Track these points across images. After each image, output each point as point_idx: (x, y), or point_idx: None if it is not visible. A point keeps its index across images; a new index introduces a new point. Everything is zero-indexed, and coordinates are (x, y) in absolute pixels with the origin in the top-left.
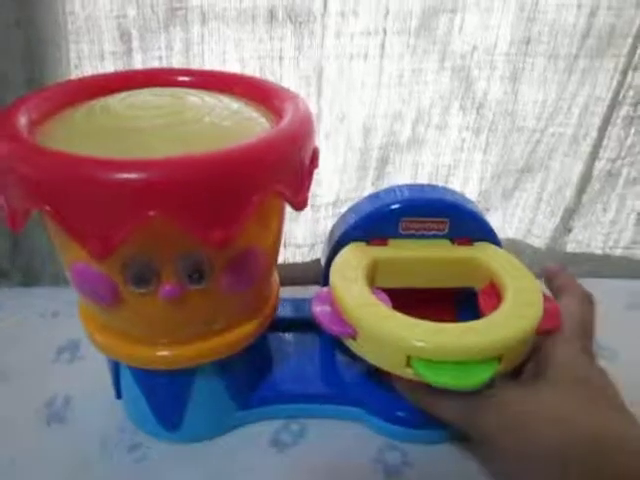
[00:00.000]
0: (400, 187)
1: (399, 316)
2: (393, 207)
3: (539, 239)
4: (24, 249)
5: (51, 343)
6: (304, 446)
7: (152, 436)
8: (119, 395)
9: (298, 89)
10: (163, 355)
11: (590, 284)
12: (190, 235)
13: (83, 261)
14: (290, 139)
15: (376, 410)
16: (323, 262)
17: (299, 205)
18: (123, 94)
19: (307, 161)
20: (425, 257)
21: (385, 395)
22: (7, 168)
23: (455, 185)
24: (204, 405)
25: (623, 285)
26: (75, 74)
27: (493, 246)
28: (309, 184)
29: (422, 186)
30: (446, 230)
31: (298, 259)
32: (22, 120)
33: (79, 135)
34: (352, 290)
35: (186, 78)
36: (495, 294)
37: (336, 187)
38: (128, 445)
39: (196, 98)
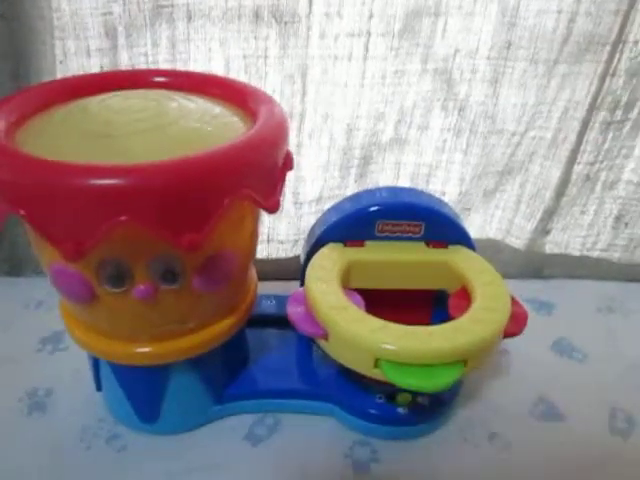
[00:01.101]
0: (379, 189)
1: (369, 319)
2: (370, 209)
3: (518, 240)
4: (8, 239)
5: (35, 333)
6: (278, 440)
7: (130, 428)
8: (99, 387)
9: (282, 88)
10: (139, 352)
11: (567, 285)
12: (160, 239)
13: (59, 262)
14: (260, 144)
15: (348, 406)
16: (302, 260)
17: (271, 208)
18: (101, 96)
19: (279, 165)
20: (400, 259)
21: (357, 392)
22: None
23: (436, 185)
24: (180, 399)
25: (598, 286)
26: (60, 70)
27: (467, 250)
28: (281, 188)
29: (400, 189)
30: (421, 233)
31: (281, 255)
32: (0, 123)
33: (56, 138)
34: (325, 292)
35: (165, 79)
36: (466, 298)
37: (319, 185)
38: (107, 436)
39: (173, 101)
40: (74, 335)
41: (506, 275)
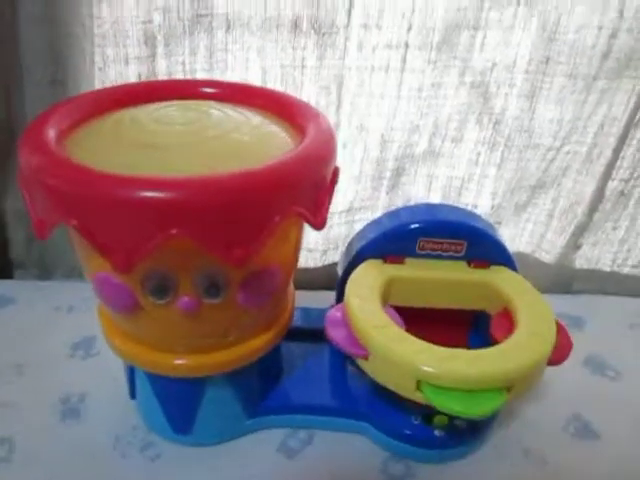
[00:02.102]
0: (420, 206)
1: (411, 339)
2: (412, 226)
3: (548, 254)
4: (37, 243)
5: (66, 338)
6: (311, 453)
7: (164, 438)
8: (133, 395)
9: (318, 98)
10: (177, 363)
11: (597, 301)
12: (210, 253)
13: (105, 271)
14: (312, 160)
15: (382, 426)
16: (339, 274)
17: (318, 225)
18: (150, 107)
19: (327, 181)
20: (440, 278)
21: (393, 411)
22: (36, 180)
23: (467, 198)
24: (215, 411)
25: (629, 303)
26: (98, 77)
27: (509, 271)
28: (329, 204)
29: (442, 206)
30: (463, 252)
31: (310, 264)
32: (51, 131)
33: (107, 149)
34: (366, 310)
35: (213, 90)
36: (508, 320)
37: (351, 195)
38: (141, 444)
39: (221, 113)
40: (112, 343)
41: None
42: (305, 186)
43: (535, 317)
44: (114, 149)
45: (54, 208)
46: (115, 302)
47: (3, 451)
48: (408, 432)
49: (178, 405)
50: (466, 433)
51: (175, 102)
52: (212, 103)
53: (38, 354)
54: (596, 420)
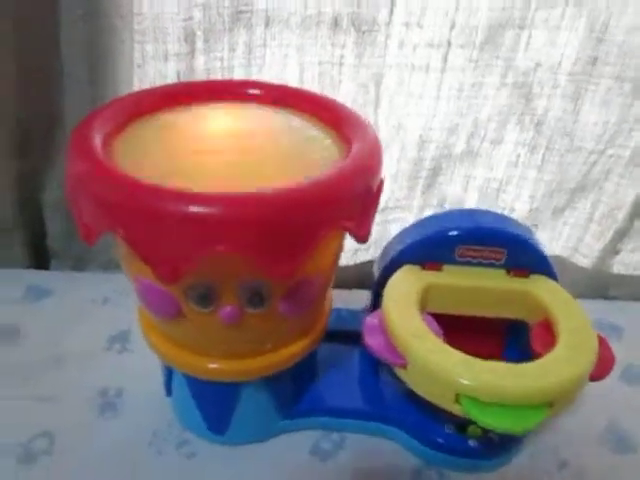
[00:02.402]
0: (459, 211)
1: (451, 351)
2: (451, 233)
3: (586, 259)
4: (74, 234)
5: (102, 331)
6: (343, 456)
7: (199, 436)
8: (169, 393)
9: (356, 97)
10: (215, 367)
11: (634, 308)
12: (255, 268)
13: (149, 278)
14: (359, 174)
15: (414, 433)
16: (375, 278)
17: (363, 238)
18: (191, 110)
19: (373, 193)
20: (479, 286)
21: (424, 418)
22: (83, 188)
23: (505, 201)
24: (249, 413)
25: None
26: (137, 74)
27: (549, 280)
28: (374, 215)
29: (482, 212)
30: (503, 260)
31: (342, 262)
32: (97, 136)
33: (152, 156)
34: (404, 319)
35: (258, 92)
36: (548, 331)
37: (386, 195)
38: (176, 442)
39: (264, 118)
40: (151, 342)
41: (570, 294)
42: (351, 200)
43: (576, 330)
44: (159, 157)
45: (101, 217)
46: (157, 308)
47: (44, 443)
48: (441, 440)
49: (214, 406)
50: (499, 443)
51: (216, 104)
52: (257, 107)
53: (75, 347)
54: (633, 432)
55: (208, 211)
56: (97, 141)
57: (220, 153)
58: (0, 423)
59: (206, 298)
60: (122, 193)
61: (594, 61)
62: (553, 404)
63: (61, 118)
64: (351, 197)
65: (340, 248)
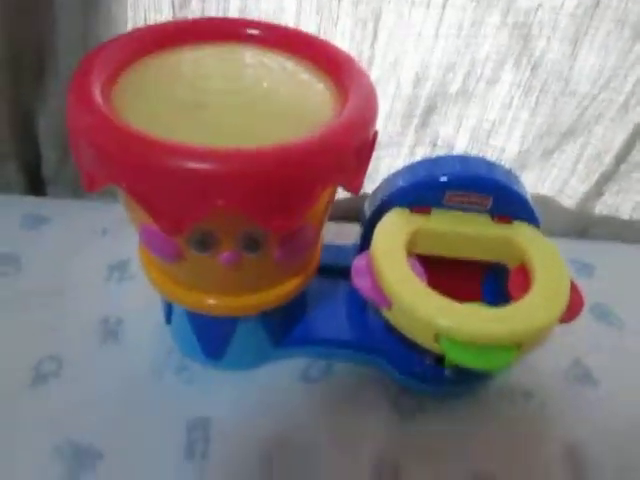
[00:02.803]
0: (451, 157)
1: (432, 294)
2: (441, 179)
3: (570, 199)
4: (72, 159)
5: (102, 261)
6: (330, 382)
7: (197, 362)
8: (169, 321)
9: (353, 31)
10: (212, 303)
11: (610, 248)
12: (253, 221)
13: (150, 224)
14: (356, 130)
15: (397, 363)
16: (366, 217)
17: (355, 190)
18: (194, 52)
19: (368, 145)
20: (465, 231)
21: (406, 350)
22: (85, 140)
23: (497, 141)
24: (245, 342)
25: None
26: (131, 2)
27: (531, 228)
28: (366, 168)
29: (472, 159)
30: (488, 206)
31: None
32: (96, 82)
33: (152, 106)
34: (391, 262)
35: (258, 32)
36: (525, 276)
37: (380, 131)
38: (175, 367)
39: (266, 67)
40: (151, 277)
41: (552, 232)
42: (348, 156)
43: (550, 276)
44: (160, 108)
45: (104, 169)
46: (160, 251)
47: (54, 366)
48: (419, 370)
49: (211, 335)
50: (473, 374)
51: (213, 45)
52: (257, 51)
53: (75, 276)
54: (597, 367)
55: (208, 167)
56: (96, 89)
57: (218, 101)
58: (7, 347)
59: (206, 244)
60: (122, 147)
61: (597, 3)
62: (522, 346)
63: (52, 45)
64: (347, 153)
65: (333, 197)
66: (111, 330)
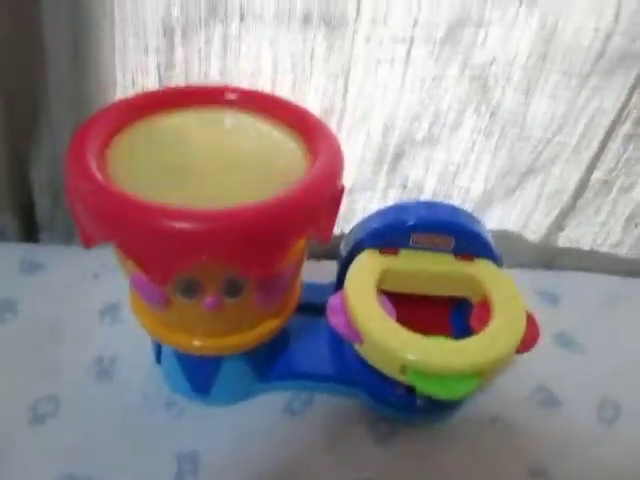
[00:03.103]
0: (416, 203)
1: (399, 329)
2: (407, 222)
3: (534, 234)
4: (64, 205)
5: (94, 304)
6: (311, 413)
7: (185, 398)
8: (158, 361)
9: (326, 86)
10: (198, 344)
11: (574, 278)
12: (235, 271)
13: (142, 275)
14: (324, 188)
15: (372, 393)
16: (342, 257)
17: (325, 240)
18: (174, 118)
19: (336, 200)
20: (430, 269)
21: (380, 381)
22: (82, 202)
23: (462, 182)
24: (230, 378)
25: (605, 280)
26: (119, 62)
27: (491, 264)
28: (335, 220)
29: (435, 204)
30: (451, 246)
31: None
32: (91, 150)
33: (142, 171)
34: (362, 301)
35: (236, 97)
36: (486, 309)
37: (352, 178)
38: (165, 403)
39: (245, 133)
40: (141, 320)
41: (519, 264)
42: (317, 210)
43: (508, 310)
44: (148, 171)
45: (99, 228)
46: (148, 297)
47: (51, 406)
48: (393, 399)
49: (198, 373)
50: (443, 402)
51: (197, 112)
52: (235, 116)
53: (70, 319)
54: (560, 391)
55: (193, 226)
56: (91, 156)
57: (201, 161)
58: (6, 389)
59: (191, 291)
60: (116, 210)
61: (544, 57)
62: (483, 374)
63: (46, 99)
64: (317, 208)
65: (307, 246)
66: (105, 369)
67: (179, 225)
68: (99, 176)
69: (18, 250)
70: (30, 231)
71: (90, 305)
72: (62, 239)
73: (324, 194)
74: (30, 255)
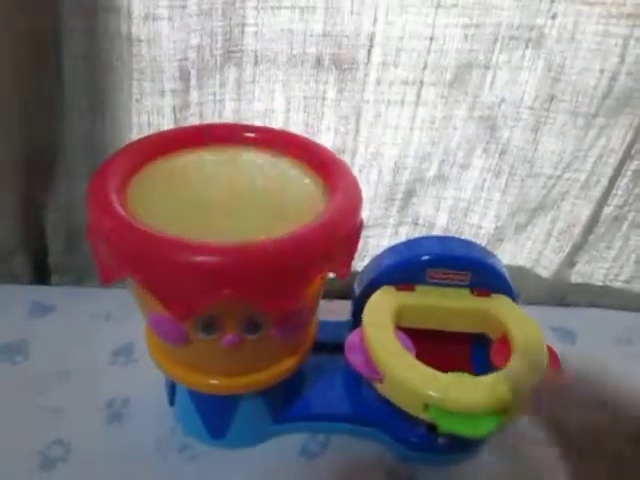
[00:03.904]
0: (430, 238)
1: (420, 366)
2: (422, 258)
3: (546, 270)
4: (77, 249)
5: (106, 345)
6: (329, 456)
7: (200, 441)
8: (172, 403)
9: (337, 127)
10: (215, 383)
11: (588, 314)
12: (256, 307)
13: (161, 313)
14: (343, 223)
15: (392, 433)
16: (356, 295)
17: (343, 276)
18: (196, 157)
19: (354, 235)
20: (446, 305)
21: (400, 420)
22: (103, 238)
23: (473, 219)
24: (246, 420)
25: (619, 316)
26: (136, 107)
27: (508, 300)
28: (353, 255)
29: (450, 239)
30: (467, 281)
31: None
32: (112, 187)
33: (162, 207)
34: (381, 338)
35: (253, 135)
36: (506, 346)
37: (365, 215)
38: (179, 446)
39: (256, 165)
40: (156, 359)
41: (532, 300)
42: (335, 246)
43: (529, 347)
44: (167, 209)
45: (120, 264)
46: (167, 336)
47: (61, 452)
48: (414, 440)
49: (214, 415)
50: (466, 441)
51: (214, 150)
52: (252, 155)
53: (81, 361)
54: None
55: (215, 260)
56: (112, 193)
57: (217, 198)
58: (17, 433)
59: (211, 328)
60: (137, 245)
61: (551, 98)
62: (507, 412)
63: (62, 145)
64: (336, 244)
65: (324, 280)
66: (117, 412)
67: (201, 259)
68: (120, 212)
69: (29, 292)
70: (42, 274)
71: (102, 347)
72: (74, 282)
73: (342, 229)
74: (41, 297)
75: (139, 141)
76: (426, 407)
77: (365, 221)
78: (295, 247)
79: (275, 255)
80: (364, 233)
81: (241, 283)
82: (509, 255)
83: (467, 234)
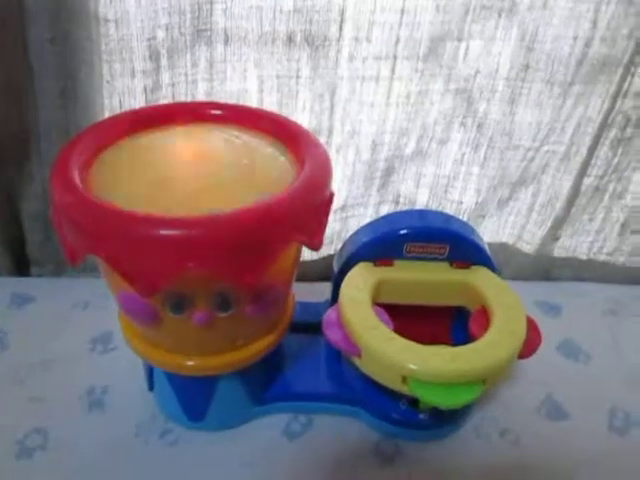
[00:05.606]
0: (409, 212)
1: (398, 339)
2: (400, 232)
3: (529, 245)
4: (55, 239)
5: (86, 334)
6: (311, 436)
7: (180, 425)
8: (151, 388)
9: (312, 105)
10: (191, 365)
11: (573, 287)
12: (222, 281)
13: (129, 290)
14: (310, 193)
15: (374, 410)
16: (335, 273)
17: (316, 247)
18: (158, 134)
19: (324, 206)
20: (426, 279)
21: (381, 397)
22: (67, 218)
23: (454, 195)
24: (225, 401)
25: (603, 289)
26: (107, 89)
27: (488, 271)
28: (325, 226)
29: (428, 212)
30: (446, 254)
31: (306, 257)
32: (75, 166)
33: (127, 184)
34: (358, 313)
35: (221, 112)
36: (485, 317)
37: (344, 194)
38: (160, 431)
39: (226, 139)
40: (131, 344)
41: (516, 277)
42: (305, 216)
43: (508, 315)
44: (132, 184)
45: (84, 242)
46: (138, 316)
47: (39, 440)
48: (396, 416)
49: (193, 397)
50: (448, 415)
51: (181, 126)
52: (221, 129)
53: (61, 350)
54: (567, 401)
55: (179, 233)
56: (75, 172)
57: (185, 174)
58: None
59: (180, 306)
60: (101, 221)
61: (526, 67)
62: (485, 381)
63: (35, 132)
64: (304, 214)
65: (298, 254)
66: (97, 400)
67: (162, 232)
68: (81, 188)
69: (8, 284)
70: (21, 265)
71: (81, 336)
72: (53, 273)
73: (310, 199)
74: (20, 288)
75: (105, 121)
76: (404, 379)
77: (345, 201)
78: (261, 217)
79: (240, 225)
80: (345, 214)
81: (206, 255)
82: (491, 232)
83: (449, 210)
